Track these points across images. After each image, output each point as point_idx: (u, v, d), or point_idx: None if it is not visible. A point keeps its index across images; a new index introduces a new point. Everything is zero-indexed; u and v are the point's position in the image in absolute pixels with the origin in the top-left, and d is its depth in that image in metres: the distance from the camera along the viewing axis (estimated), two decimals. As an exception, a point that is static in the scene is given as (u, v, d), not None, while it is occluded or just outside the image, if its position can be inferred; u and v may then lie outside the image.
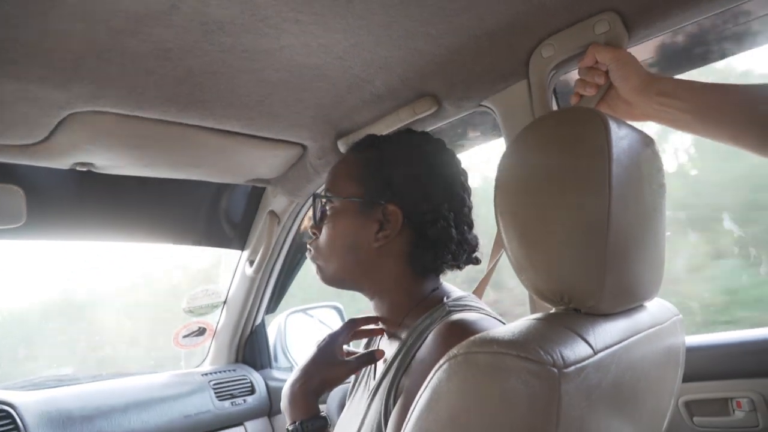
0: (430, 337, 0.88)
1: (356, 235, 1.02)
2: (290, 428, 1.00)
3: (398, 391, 0.89)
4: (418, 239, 1.01)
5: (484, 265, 1.15)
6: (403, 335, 0.97)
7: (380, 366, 1.02)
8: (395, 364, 0.93)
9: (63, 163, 1.36)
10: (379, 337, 1.15)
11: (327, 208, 1.06)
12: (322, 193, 1.08)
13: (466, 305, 0.97)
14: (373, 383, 1.00)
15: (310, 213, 1.84)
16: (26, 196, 1.38)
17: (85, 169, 1.40)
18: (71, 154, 1.31)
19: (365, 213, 1.01)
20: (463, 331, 0.84)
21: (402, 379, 0.90)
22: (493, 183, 0.74)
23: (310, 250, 1.10)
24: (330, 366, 1.05)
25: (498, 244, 1.23)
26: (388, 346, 1.04)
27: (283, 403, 1.05)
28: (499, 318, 0.94)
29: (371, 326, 1.11)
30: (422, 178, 1.02)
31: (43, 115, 1.13)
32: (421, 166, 1.03)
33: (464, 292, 1.05)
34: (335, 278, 1.07)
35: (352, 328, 1.11)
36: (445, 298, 1.00)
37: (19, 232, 1.42)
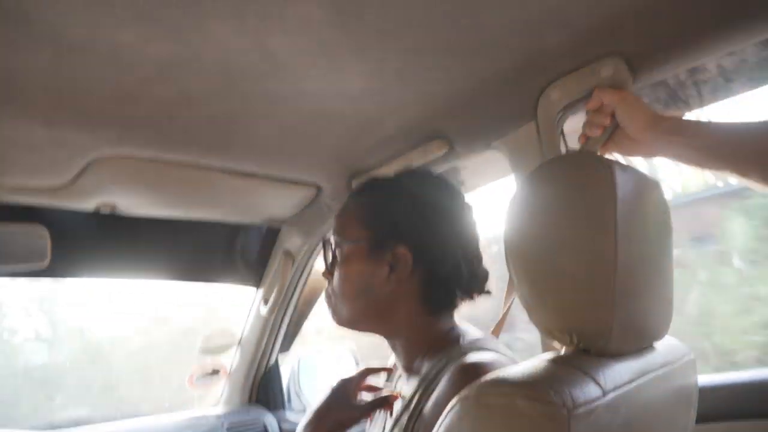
0: (444, 379, 0.88)
1: (367, 278, 1.02)
2: None
3: None
4: (429, 278, 1.01)
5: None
6: (420, 376, 0.97)
7: (397, 405, 1.02)
8: (411, 406, 0.93)
9: (86, 205, 1.40)
10: (398, 374, 1.14)
11: (336, 252, 1.07)
12: (331, 239, 1.09)
13: (481, 347, 0.97)
14: (389, 422, 0.99)
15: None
16: (51, 235, 1.41)
17: (107, 212, 1.44)
18: (95, 196, 1.35)
19: (374, 256, 1.02)
20: (477, 372, 0.83)
21: (417, 421, 0.90)
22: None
23: (329, 295, 1.10)
24: (343, 409, 1.05)
25: (511, 284, 1.24)
26: (406, 385, 1.03)
27: None
28: (515, 359, 0.94)
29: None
30: (428, 217, 1.02)
31: (70, 158, 1.17)
32: (426, 204, 1.03)
33: (480, 332, 1.06)
34: (349, 321, 1.07)
35: (366, 375, 1.12)
36: (461, 339, 0.99)
37: (42, 270, 1.45)
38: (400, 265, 1.00)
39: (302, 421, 1.06)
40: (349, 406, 1.05)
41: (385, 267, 1.01)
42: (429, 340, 1.02)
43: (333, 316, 1.09)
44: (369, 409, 1.05)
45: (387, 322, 1.04)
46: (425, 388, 0.93)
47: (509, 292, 1.23)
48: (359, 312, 1.05)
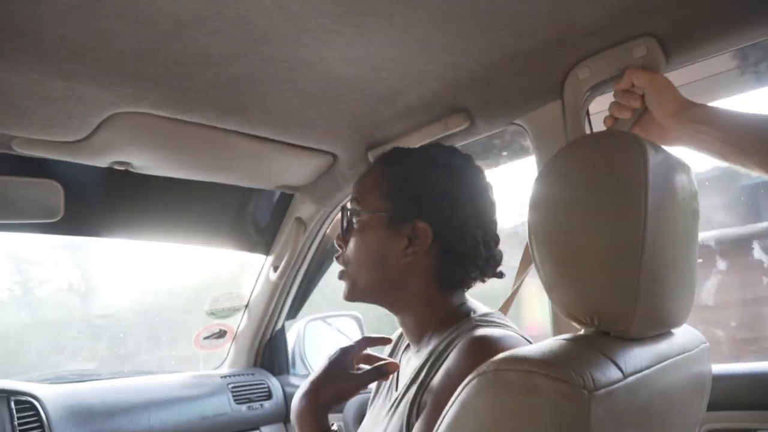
0: (455, 351, 0.88)
1: (384, 249, 1.02)
2: None
3: (421, 405, 0.89)
4: (446, 255, 1.00)
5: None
6: (429, 349, 0.97)
7: (403, 378, 1.02)
8: (420, 378, 0.93)
9: (102, 161, 1.39)
10: (403, 348, 1.15)
11: (354, 220, 1.06)
12: (350, 205, 1.08)
13: (492, 321, 0.97)
14: (395, 394, 1.00)
15: (337, 223, 1.86)
16: (64, 191, 1.41)
17: (122, 168, 1.43)
18: (111, 152, 1.34)
19: (393, 228, 1.01)
20: (488, 346, 0.84)
21: (425, 393, 0.90)
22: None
23: (344, 263, 1.08)
24: (341, 379, 1.04)
25: (525, 262, 1.23)
26: (414, 358, 1.04)
27: (293, 417, 1.05)
28: (526, 336, 0.94)
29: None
30: (451, 195, 1.01)
31: (87, 113, 1.16)
32: (450, 182, 1.02)
33: (490, 309, 1.05)
34: (361, 292, 1.06)
35: (366, 345, 1.11)
36: (471, 314, 1.00)
37: (55, 226, 1.46)
38: (419, 239, 1.00)
39: (298, 391, 1.05)
40: (348, 377, 1.04)
41: (404, 240, 1.00)
42: (440, 315, 1.02)
43: (346, 288, 1.08)
44: (367, 380, 1.03)
45: (399, 295, 1.04)
46: (434, 361, 0.93)
47: (522, 270, 1.23)
48: (372, 283, 1.04)
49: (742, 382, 1.17)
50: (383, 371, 1.04)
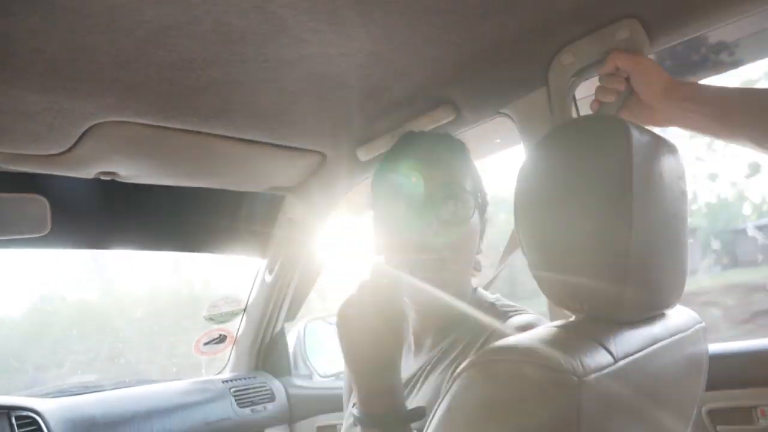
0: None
1: (477, 235, 1.03)
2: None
3: None
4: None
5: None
6: (451, 337, 0.98)
7: (412, 363, 1.03)
8: (449, 356, 0.95)
9: (87, 173, 1.38)
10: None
11: (472, 203, 1.00)
12: (468, 187, 1.01)
13: (515, 308, 1.00)
14: (422, 373, 0.99)
15: (332, 221, 1.85)
16: (50, 205, 1.40)
17: (108, 179, 1.43)
18: (95, 163, 1.34)
19: (480, 213, 1.04)
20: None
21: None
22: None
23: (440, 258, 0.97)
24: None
25: (510, 248, 1.24)
26: (426, 350, 1.03)
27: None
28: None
29: None
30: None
31: (69, 125, 1.15)
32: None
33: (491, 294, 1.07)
34: (455, 288, 1.00)
35: None
36: (494, 301, 1.03)
37: (43, 241, 1.45)
38: (485, 227, 1.05)
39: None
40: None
41: (480, 225, 1.04)
42: (465, 301, 1.02)
43: (443, 280, 0.97)
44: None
45: (464, 284, 1.05)
46: (467, 343, 0.94)
47: (506, 254, 1.23)
48: (465, 273, 1.04)
49: (740, 361, 1.18)
50: None
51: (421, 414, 0.80)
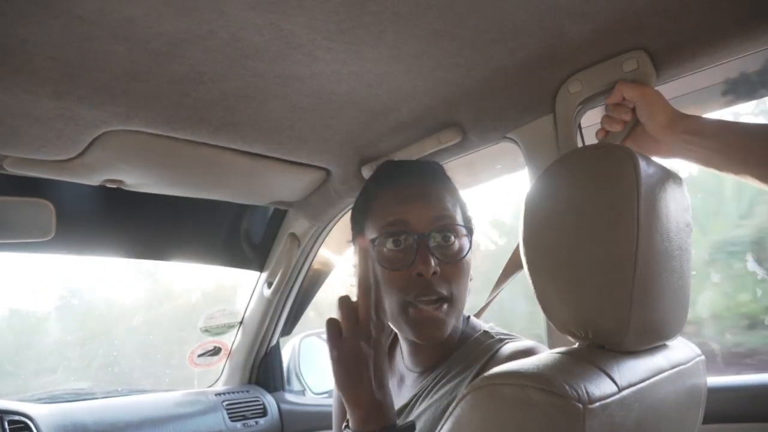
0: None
1: (470, 269, 1.00)
2: None
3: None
4: None
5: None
6: (444, 366, 0.98)
7: (405, 392, 1.02)
8: (443, 384, 0.93)
9: (93, 180, 1.39)
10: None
11: (468, 240, 0.98)
12: (461, 222, 1.00)
13: (509, 335, 0.99)
14: (413, 400, 0.99)
15: (332, 239, 1.85)
16: (56, 210, 1.41)
17: (114, 186, 1.43)
18: (102, 171, 1.34)
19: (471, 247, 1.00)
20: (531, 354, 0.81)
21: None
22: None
23: (444, 298, 0.94)
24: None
25: (506, 273, 1.24)
26: (419, 378, 1.03)
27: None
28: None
29: None
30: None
31: (79, 132, 1.16)
32: None
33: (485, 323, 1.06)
34: (451, 328, 0.97)
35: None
36: (487, 329, 1.01)
37: (47, 246, 1.45)
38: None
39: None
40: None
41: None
42: (458, 333, 1.02)
43: (447, 323, 0.94)
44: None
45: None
46: (455, 374, 0.93)
47: (502, 280, 1.23)
48: (462, 308, 0.99)
49: (738, 395, 1.17)
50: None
51: (411, 428, 0.82)
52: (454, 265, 0.95)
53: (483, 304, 1.26)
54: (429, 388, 0.96)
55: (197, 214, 1.84)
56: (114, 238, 1.69)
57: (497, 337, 0.98)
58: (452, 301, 0.94)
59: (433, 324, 0.92)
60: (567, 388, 0.54)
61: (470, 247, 0.98)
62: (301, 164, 1.49)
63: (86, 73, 0.98)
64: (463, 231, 0.98)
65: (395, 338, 1.11)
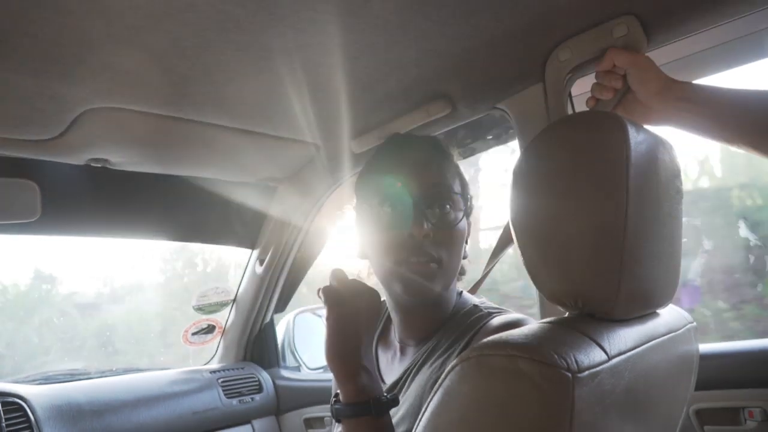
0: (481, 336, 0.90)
1: (465, 237, 1.03)
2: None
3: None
4: None
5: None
6: (435, 339, 0.98)
7: (398, 366, 1.03)
8: (434, 356, 0.94)
9: (78, 159, 1.37)
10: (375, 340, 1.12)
11: (463, 207, 1.01)
12: (457, 189, 1.02)
13: (498, 309, 1.00)
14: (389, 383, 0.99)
15: (323, 215, 1.84)
16: (41, 191, 1.39)
17: (99, 165, 1.41)
18: (86, 149, 1.32)
19: (468, 215, 1.04)
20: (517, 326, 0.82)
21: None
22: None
23: (435, 262, 0.96)
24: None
25: (500, 246, 1.24)
26: (411, 351, 1.03)
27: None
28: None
29: None
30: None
31: (60, 110, 1.13)
32: None
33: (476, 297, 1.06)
34: (446, 288, 1.00)
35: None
36: (479, 303, 1.02)
37: (33, 227, 1.43)
38: (470, 231, 1.04)
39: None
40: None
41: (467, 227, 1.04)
42: (450, 306, 1.03)
43: (438, 283, 0.97)
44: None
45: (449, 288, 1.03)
46: (447, 348, 0.94)
47: (495, 254, 1.23)
48: (454, 274, 1.01)
49: (730, 361, 1.18)
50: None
51: (396, 402, 0.86)
52: (448, 231, 0.97)
53: (478, 279, 1.26)
54: (420, 361, 0.97)
55: (187, 192, 1.82)
56: (101, 217, 1.67)
57: (486, 310, 0.98)
58: (442, 264, 0.96)
59: (421, 279, 0.95)
60: (556, 357, 0.54)
61: (464, 217, 1.01)
62: (288, 139, 1.47)
63: (64, 49, 0.96)
64: (460, 202, 1.01)
65: (389, 316, 1.11)
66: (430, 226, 0.94)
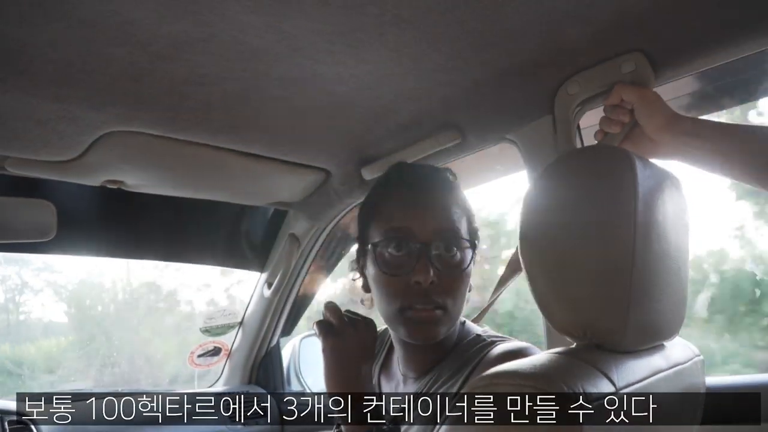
0: (484, 366, 0.89)
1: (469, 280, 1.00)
2: None
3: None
4: None
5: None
6: (437, 370, 0.98)
7: (401, 397, 1.02)
8: (437, 386, 0.94)
9: (94, 180, 1.39)
10: (377, 372, 1.12)
11: (470, 253, 0.98)
12: (465, 236, 0.99)
13: (501, 337, 0.98)
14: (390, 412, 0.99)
15: (331, 237, 1.85)
16: (57, 211, 1.41)
17: (115, 187, 1.43)
18: (103, 171, 1.35)
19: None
20: (521, 356, 0.81)
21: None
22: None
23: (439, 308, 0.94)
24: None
25: (507, 274, 1.24)
26: (413, 382, 1.03)
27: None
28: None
29: None
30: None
31: (79, 133, 1.16)
32: None
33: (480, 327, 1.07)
34: (447, 331, 0.99)
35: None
36: (480, 333, 1.01)
37: (48, 246, 1.45)
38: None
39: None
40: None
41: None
42: (453, 337, 1.02)
43: (441, 329, 0.96)
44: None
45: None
46: (448, 378, 0.93)
47: (501, 283, 1.23)
48: (457, 317, 0.99)
49: (737, 396, 1.17)
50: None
51: (396, 431, 0.87)
52: (454, 276, 0.96)
53: (482, 309, 1.26)
54: (423, 392, 0.97)
55: (198, 215, 1.84)
56: (115, 238, 1.70)
57: (489, 339, 0.97)
58: (447, 310, 0.94)
59: (426, 324, 0.93)
60: (565, 387, 0.54)
61: (472, 260, 0.98)
62: (301, 165, 1.49)
63: (87, 76, 0.99)
64: (466, 244, 0.98)
65: (391, 346, 1.11)
66: (437, 272, 0.92)
